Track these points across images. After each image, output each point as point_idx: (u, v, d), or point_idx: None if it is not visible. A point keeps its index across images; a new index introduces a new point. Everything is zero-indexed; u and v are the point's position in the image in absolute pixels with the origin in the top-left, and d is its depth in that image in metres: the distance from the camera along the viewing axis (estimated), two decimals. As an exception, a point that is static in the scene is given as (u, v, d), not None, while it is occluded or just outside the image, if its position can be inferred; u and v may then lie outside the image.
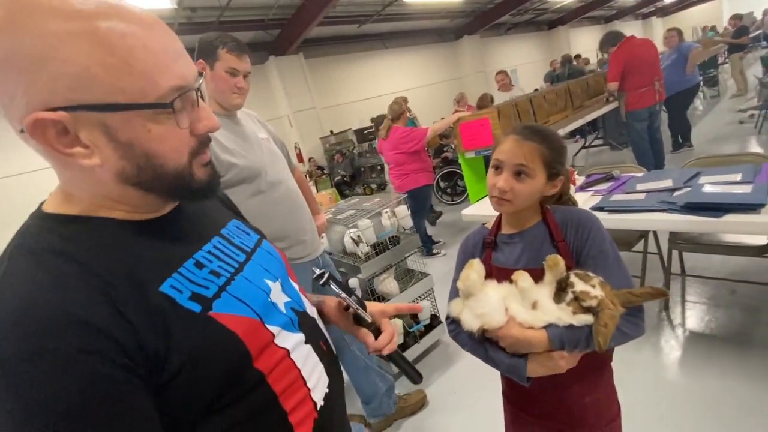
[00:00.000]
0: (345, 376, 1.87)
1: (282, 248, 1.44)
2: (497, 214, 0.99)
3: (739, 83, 7.35)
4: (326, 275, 0.70)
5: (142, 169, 0.46)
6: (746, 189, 1.57)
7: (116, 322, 0.41)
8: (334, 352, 0.68)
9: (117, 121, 0.43)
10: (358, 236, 1.91)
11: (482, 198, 2.76)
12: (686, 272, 2.34)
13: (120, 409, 0.39)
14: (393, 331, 0.72)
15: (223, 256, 0.55)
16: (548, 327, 0.77)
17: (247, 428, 0.49)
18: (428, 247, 3.84)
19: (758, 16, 10.59)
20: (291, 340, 0.56)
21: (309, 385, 0.55)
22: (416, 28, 10.17)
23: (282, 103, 8.46)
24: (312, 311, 0.66)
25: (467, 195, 4.64)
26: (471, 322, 0.83)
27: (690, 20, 16.33)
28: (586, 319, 0.74)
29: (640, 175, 2.30)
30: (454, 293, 0.93)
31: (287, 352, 0.54)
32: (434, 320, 2.23)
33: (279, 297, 0.58)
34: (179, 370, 0.43)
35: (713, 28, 9.73)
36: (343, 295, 0.69)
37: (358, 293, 1.99)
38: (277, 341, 0.53)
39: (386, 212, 2.03)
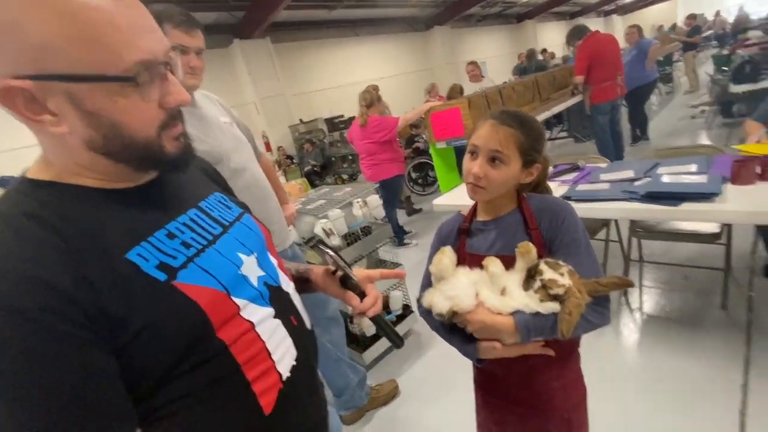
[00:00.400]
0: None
1: None
2: (470, 203, 0.98)
3: (691, 80, 7.79)
4: (315, 239, 0.75)
5: (110, 139, 0.48)
6: (701, 179, 1.65)
7: (79, 285, 0.43)
8: (308, 326, 0.69)
9: (82, 91, 0.45)
10: (329, 227, 1.86)
11: (453, 188, 2.78)
12: (644, 259, 2.45)
13: (80, 362, 0.42)
14: (378, 295, 0.74)
15: (198, 228, 0.57)
16: (515, 313, 0.78)
17: (210, 394, 0.52)
18: (400, 237, 3.83)
19: (709, 17, 11.25)
20: (258, 314, 0.57)
21: (274, 357, 0.57)
22: (387, 15, 10.04)
23: (248, 89, 8.14)
24: (288, 286, 0.67)
25: (438, 185, 4.66)
26: (441, 304, 0.83)
27: (648, 19, 17.11)
28: (553, 306, 0.75)
29: (603, 165, 2.38)
30: (427, 278, 0.94)
31: (252, 325, 0.56)
32: (406, 310, 2.23)
33: (252, 271, 0.60)
34: (138, 334, 0.46)
35: (673, 26, 10.23)
36: (332, 253, 0.72)
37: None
38: (243, 314, 0.55)
39: (358, 202, 1.99)
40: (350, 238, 1.93)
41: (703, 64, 8.67)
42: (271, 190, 1.56)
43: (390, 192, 3.62)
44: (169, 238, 0.53)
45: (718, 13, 10.56)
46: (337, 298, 0.77)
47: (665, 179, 1.74)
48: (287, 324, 0.62)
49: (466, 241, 0.93)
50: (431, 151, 3.97)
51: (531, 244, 0.81)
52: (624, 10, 19.15)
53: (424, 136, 5.49)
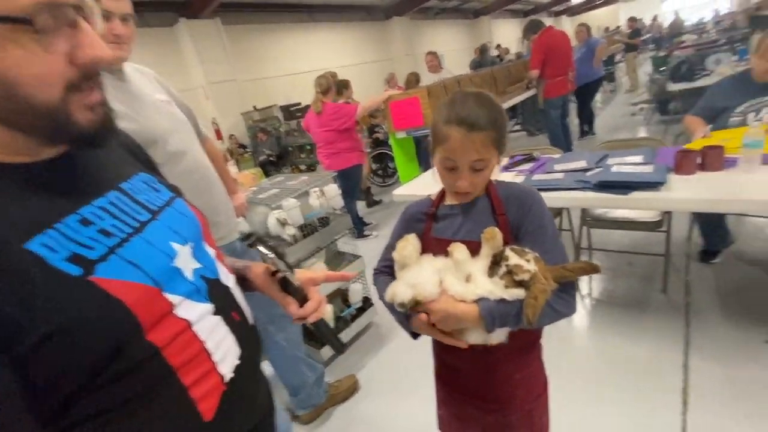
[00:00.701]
0: (270, 369, 1.75)
1: None
2: (433, 190, 0.95)
3: (632, 80, 8.34)
4: (254, 236, 0.67)
5: (0, 99, 0.40)
6: (648, 169, 1.72)
7: None
8: (251, 321, 0.64)
9: None
10: (284, 217, 1.74)
11: (413, 178, 2.74)
12: (593, 247, 2.56)
13: None
14: (320, 299, 0.70)
15: (120, 214, 0.49)
16: (479, 301, 0.74)
17: (138, 405, 0.45)
18: (359, 228, 3.75)
19: (647, 22, 12.09)
20: (195, 311, 0.52)
21: (215, 358, 0.52)
22: (345, 2, 9.80)
23: (195, 73, 7.62)
24: (227, 279, 0.61)
25: (398, 177, 4.62)
26: (404, 293, 0.79)
27: (593, 21, 18.06)
28: (518, 293, 0.72)
29: (557, 156, 2.44)
30: (388, 253, 0.92)
31: (188, 324, 0.50)
32: (366, 303, 2.16)
33: (187, 262, 0.54)
34: (44, 342, 0.38)
35: (617, 29, 10.88)
36: (271, 255, 0.66)
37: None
38: (177, 311, 0.49)
39: (314, 191, 1.88)
40: (307, 230, 1.82)
41: (642, 65, 9.31)
42: (216, 178, 1.42)
43: (349, 182, 3.52)
44: (84, 224, 0.45)
45: (655, 18, 11.37)
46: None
47: (615, 169, 1.80)
48: (229, 320, 0.56)
49: (432, 225, 0.90)
50: (391, 141, 3.92)
51: (497, 230, 0.78)
52: (571, 11, 20.13)
53: (383, 126, 5.42)
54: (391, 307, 0.84)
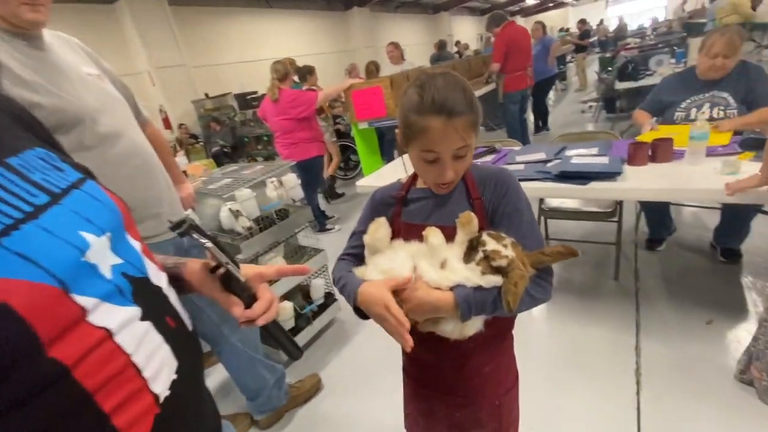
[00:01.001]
0: (225, 372, 1.62)
1: None
2: (400, 178, 0.90)
3: (581, 79, 8.78)
4: (186, 223, 0.55)
5: None
6: (604, 160, 1.77)
7: None
8: (190, 327, 0.54)
9: None
10: (237, 209, 1.61)
11: (376, 170, 2.68)
12: (549, 237, 2.64)
13: None
14: (271, 298, 0.61)
15: (6, 195, 0.39)
16: (455, 288, 0.70)
17: None
18: (321, 222, 3.64)
19: (593, 26, 12.77)
20: (117, 317, 0.42)
21: (146, 374, 0.43)
22: (304, -10, 9.48)
23: (140, 57, 7.05)
24: (158, 278, 0.51)
25: (361, 169, 4.55)
26: (375, 279, 0.75)
27: (546, 22, 18.89)
28: (495, 280, 0.68)
29: (517, 148, 2.48)
30: (356, 240, 0.87)
31: (108, 333, 0.40)
32: (329, 299, 2.07)
33: (103, 257, 0.43)
34: None
35: (567, 30, 11.41)
36: (209, 244, 0.55)
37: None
38: (91, 318, 0.40)
39: (271, 181, 1.76)
40: (263, 223, 1.70)
41: (590, 65, 9.83)
42: (158, 165, 1.27)
43: (309, 174, 3.39)
44: None
45: (601, 22, 12.04)
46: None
47: (574, 160, 1.84)
48: (162, 327, 0.47)
49: (401, 209, 0.84)
50: (353, 132, 3.82)
51: (473, 214, 0.73)
52: (525, 12, 20.87)
53: (345, 117, 5.30)
54: (341, 287, 0.81)
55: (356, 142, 3.62)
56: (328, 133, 4.65)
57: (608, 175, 1.63)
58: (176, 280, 0.60)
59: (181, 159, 5.17)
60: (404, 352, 0.94)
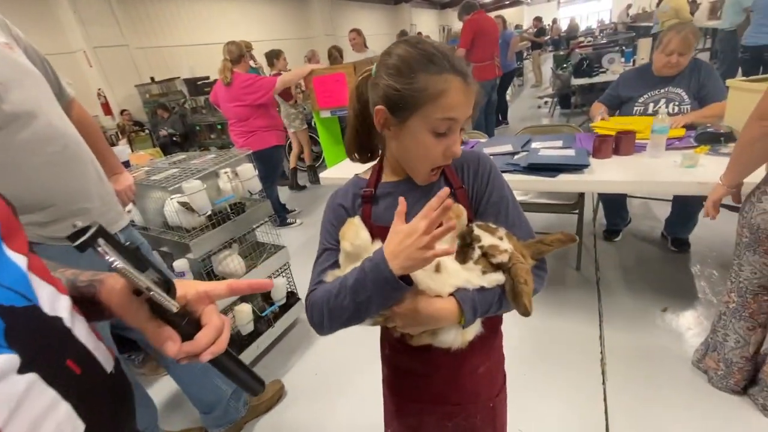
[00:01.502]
0: (175, 385, 1.46)
1: (42, 222, 0.89)
2: (365, 168, 0.78)
3: (537, 76, 9.08)
4: (91, 230, 0.38)
5: None
6: (571, 152, 1.77)
7: None
8: (109, 368, 0.42)
9: None
10: (186, 203, 1.43)
11: (340, 162, 2.56)
12: (514, 229, 2.66)
13: None
14: (220, 325, 0.46)
15: None
16: (457, 293, 0.62)
17: None
18: (282, 216, 3.46)
19: (547, 24, 13.28)
20: None
21: None
22: (260, -29, 9.00)
23: (74, 35, 6.36)
24: (54, 304, 0.38)
25: (323, 160, 4.38)
26: None
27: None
28: (497, 278, 0.61)
29: (483, 140, 2.46)
30: (328, 261, 0.70)
31: None
32: (291, 298, 1.94)
33: None
34: None
35: (519, 26, 11.78)
36: (118, 264, 0.38)
37: (189, 276, 1.53)
38: None
39: (225, 172, 1.59)
40: (217, 218, 1.53)
41: (545, 63, 10.19)
42: (86, 152, 1.08)
43: (268, 166, 3.19)
44: None
45: (555, 21, 12.51)
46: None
47: (542, 153, 1.83)
48: (57, 377, 0.34)
49: (371, 209, 0.72)
50: (315, 121, 3.65)
51: (461, 207, 0.65)
52: (483, 8, 21.32)
53: (306, 106, 5.09)
54: (351, 288, 0.61)
55: (318, 132, 3.46)
56: (298, 120, 4.44)
57: (576, 167, 1.63)
58: (91, 303, 0.46)
59: (123, 148, 4.72)
60: (387, 364, 0.85)
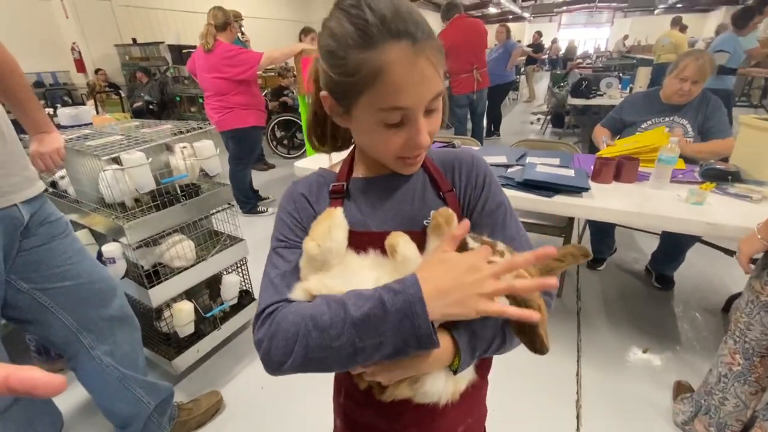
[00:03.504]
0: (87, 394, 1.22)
1: None
2: (343, 156, 0.62)
3: (531, 91, 9.08)
4: None
5: None
6: (570, 173, 1.63)
7: None
8: None
9: None
10: (124, 177, 1.20)
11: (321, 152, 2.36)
12: (496, 245, 2.53)
13: None
14: None
15: None
16: (449, 324, 0.48)
17: None
18: (252, 203, 3.21)
19: (546, 44, 13.38)
20: None
21: None
22: (264, -56, 8.64)
23: (50, -22, 5.89)
24: None
25: (306, 149, 4.16)
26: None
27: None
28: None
29: (476, 148, 2.31)
30: (290, 264, 0.52)
31: None
32: (244, 298, 1.72)
33: None
34: None
35: (519, 41, 11.81)
36: None
37: (121, 264, 1.30)
38: None
39: (181, 147, 1.36)
40: (162, 199, 1.30)
41: (540, 80, 10.23)
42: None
43: (243, 146, 2.95)
44: None
45: (555, 41, 12.62)
46: None
47: (540, 169, 1.68)
48: None
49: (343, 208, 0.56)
50: (300, 106, 3.42)
51: (451, 211, 0.51)
52: (487, 20, 21.41)
53: (294, 90, 4.84)
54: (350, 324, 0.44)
55: (302, 117, 3.23)
56: None
57: (576, 189, 1.48)
58: None
59: (88, 108, 4.35)
60: (342, 416, 0.66)
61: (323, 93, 0.50)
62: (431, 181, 0.58)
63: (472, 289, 0.40)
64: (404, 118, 0.46)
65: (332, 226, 0.49)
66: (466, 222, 0.46)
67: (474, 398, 0.62)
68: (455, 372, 0.47)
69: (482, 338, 0.48)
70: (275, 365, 0.46)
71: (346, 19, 0.44)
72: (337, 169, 0.60)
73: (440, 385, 0.49)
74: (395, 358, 0.44)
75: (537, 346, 0.43)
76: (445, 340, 0.46)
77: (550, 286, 0.41)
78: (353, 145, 0.61)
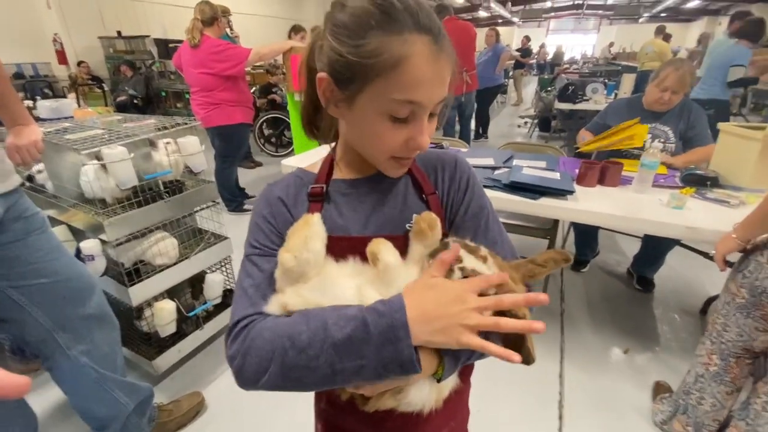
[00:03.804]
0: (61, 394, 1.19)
1: None
2: (324, 155, 0.60)
3: (518, 95, 9.20)
4: None
5: None
6: (556, 176, 1.65)
7: None
8: None
9: None
10: (107, 174, 1.17)
11: (310, 150, 2.34)
12: (483, 247, 2.55)
13: None
14: None
15: None
16: None
17: None
18: (238, 201, 3.17)
19: (535, 49, 13.58)
20: None
21: None
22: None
23: (32, -33, 5.73)
24: None
25: (294, 147, 4.12)
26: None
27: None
28: None
29: (465, 150, 2.33)
30: (264, 273, 0.50)
31: None
32: (228, 297, 1.70)
33: None
34: None
35: (508, 46, 11.97)
36: None
37: (100, 261, 1.26)
38: None
39: (164, 142, 1.33)
40: (144, 195, 1.27)
41: (527, 84, 10.37)
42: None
43: (230, 144, 2.91)
44: None
45: (543, 46, 12.81)
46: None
47: (526, 172, 1.70)
48: None
49: (321, 213, 0.54)
50: (289, 104, 3.39)
51: (435, 216, 0.50)
52: (477, 23, 21.61)
53: (282, 87, 4.79)
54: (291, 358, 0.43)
55: (291, 115, 3.21)
56: None
57: (561, 192, 1.50)
58: None
59: (69, 101, 4.23)
60: (322, 421, 0.65)
61: (321, 74, 0.47)
62: (413, 182, 0.57)
63: (456, 319, 0.40)
64: (411, 114, 0.45)
65: (309, 236, 0.47)
66: (456, 247, 0.46)
67: (457, 402, 0.62)
68: (439, 380, 0.46)
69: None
70: (248, 382, 0.44)
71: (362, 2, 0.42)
72: (316, 170, 0.58)
73: (424, 394, 0.48)
74: (375, 381, 0.43)
75: (524, 356, 0.42)
76: (425, 349, 0.43)
77: (540, 302, 0.41)
78: (334, 144, 0.59)
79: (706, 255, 2.12)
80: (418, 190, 0.57)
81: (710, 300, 2.02)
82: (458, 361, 0.46)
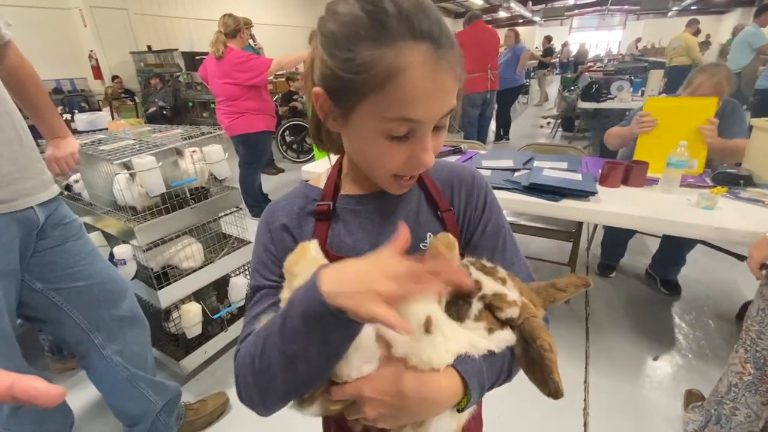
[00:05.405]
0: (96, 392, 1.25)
1: None
2: (318, 172, 0.62)
3: (542, 95, 9.03)
4: None
5: None
6: (578, 177, 1.62)
7: None
8: None
9: None
10: (137, 182, 1.23)
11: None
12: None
13: None
14: None
15: None
16: (458, 363, 0.42)
17: None
18: (261, 207, 3.25)
19: (557, 47, 13.30)
20: None
21: None
22: (275, -48, 8.80)
23: (70, -11, 6.09)
24: None
25: (314, 153, 4.21)
26: None
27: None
28: (506, 337, 0.44)
29: (483, 152, 2.31)
30: (263, 304, 0.49)
31: None
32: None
33: None
34: None
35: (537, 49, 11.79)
36: None
37: (131, 265, 1.32)
38: None
39: (191, 151, 1.39)
40: (172, 202, 1.33)
41: (551, 84, 10.15)
42: (9, 108, 0.89)
43: (252, 151, 2.99)
44: None
45: (566, 44, 12.53)
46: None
47: (546, 173, 1.67)
48: None
49: (327, 231, 0.52)
50: (308, 111, 3.46)
51: (452, 237, 0.48)
52: (497, 24, 21.37)
53: (303, 95, 4.89)
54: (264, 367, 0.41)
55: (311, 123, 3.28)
56: None
57: (582, 193, 1.47)
58: None
59: (104, 114, 4.47)
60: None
61: (317, 89, 0.43)
62: (427, 198, 0.55)
63: (370, 285, 0.33)
64: (411, 131, 0.42)
65: (309, 262, 0.45)
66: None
67: (472, 422, 0.61)
68: (461, 410, 0.44)
69: (491, 374, 0.44)
70: (254, 406, 0.46)
71: (358, 5, 0.38)
72: (321, 183, 0.55)
73: (445, 424, 0.45)
74: (328, 362, 0.39)
75: (552, 388, 0.40)
76: (453, 380, 0.41)
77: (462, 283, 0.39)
78: (339, 156, 0.56)
79: (740, 257, 2.02)
80: (432, 206, 0.54)
81: (747, 304, 1.92)
82: (484, 389, 0.44)
